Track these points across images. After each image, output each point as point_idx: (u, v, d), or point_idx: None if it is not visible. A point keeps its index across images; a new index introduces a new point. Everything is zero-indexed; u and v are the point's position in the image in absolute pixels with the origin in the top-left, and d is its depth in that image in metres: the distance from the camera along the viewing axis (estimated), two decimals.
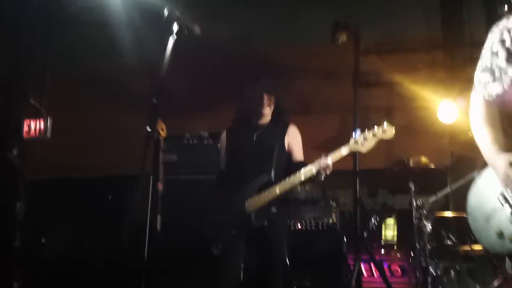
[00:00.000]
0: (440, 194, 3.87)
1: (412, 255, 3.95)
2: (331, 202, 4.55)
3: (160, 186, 1.89)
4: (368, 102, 4.89)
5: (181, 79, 4.18)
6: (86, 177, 5.65)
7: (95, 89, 5.85)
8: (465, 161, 5.45)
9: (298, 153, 3.47)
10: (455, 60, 5.47)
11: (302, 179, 3.14)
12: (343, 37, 4.59)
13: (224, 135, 3.58)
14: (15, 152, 2.31)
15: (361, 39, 4.46)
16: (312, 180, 3.24)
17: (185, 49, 2.40)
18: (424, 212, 3.64)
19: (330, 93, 5.39)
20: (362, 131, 3.10)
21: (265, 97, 3.40)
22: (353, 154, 4.06)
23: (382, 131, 3.04)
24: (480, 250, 3.62)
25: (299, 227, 4.54)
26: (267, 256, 3.23)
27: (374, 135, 3.05)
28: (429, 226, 3.63)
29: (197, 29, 2.30)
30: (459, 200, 4.73)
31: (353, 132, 3.18)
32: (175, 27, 2.19)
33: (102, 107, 5.87)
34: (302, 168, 3.14)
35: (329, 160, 3.09)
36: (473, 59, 5.83)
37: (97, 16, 4.58)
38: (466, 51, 5.44)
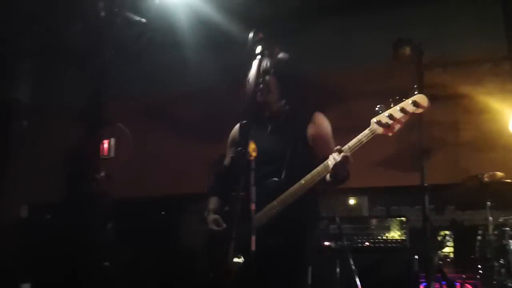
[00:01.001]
0: None
1: (481, 272, 3.80)
2: (400, 218, 4.46)
3: (253, 206, 1.90)
4: (433, 117, 4.79)
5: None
6: (140, 199, 5.77)
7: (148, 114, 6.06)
8: None
9: (323, 148, 2.65)
10: None
11: (316, 179, 2.44)
12: (406, 51, 4.55)
13: (237, 126, 2.83)
14: (102, 173, 2.40)
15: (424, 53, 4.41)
16: (329, 181, 2.48)
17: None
18: (508, 229, 3.48)
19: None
20: (387, 106, 2.32)
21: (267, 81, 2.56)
22: (421, 170, 3.99)
23: (413, 103, 2.23)
24: None
25: (366, 244, 4.47)
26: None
27: (403, 110, 2.25)
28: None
29: (277, 51, 2.34)
30: None
31: (378, 109, 2.37)
32: (258, 49, 2.23)
33: (160, 130, 6.04)
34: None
35: (347, 150, 2.38)
36: None
37: (164, 39, 4.74)
38: None
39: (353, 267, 4.05)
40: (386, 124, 2.28)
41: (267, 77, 2.51)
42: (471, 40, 5.32)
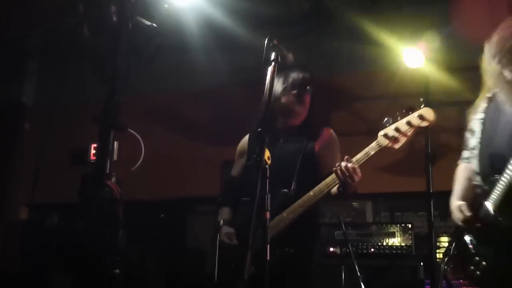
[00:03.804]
0: None
1: None
2: (405, 225, 4.45)
3: (267, 215, 1.89)
4: (440, 123, 4.78)
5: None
6: (146, 201, 5.76)
7: (157, 115, 6.04)
8: None
9: (330, 163, 2.70)
10: None
11: (325, 190, 2.49)
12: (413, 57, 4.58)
13: (247, 137, 3.01)
14: (113, 179, 2.37)
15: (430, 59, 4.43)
16: (338, 194, 2.56)
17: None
18: None
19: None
20: (394, 119, 2.37)
21: (301, 93, 2.82)
22: (426, 176, 3.98)
23: (419, 116, 2.28)
24: None
25: (372, 250, 4.46)
26: None
27: (409, 123, 2.31)
28: None
29: (291, 57, 2.33)
30: None
31: (385, 122, 2.42)
32: (273, 56, 2.22)
33: (168, 132, 6.02)
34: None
35: (355, 163, 2.43)
36: None
37: (172, 43, 4.73)
38: None
39: (359, 273, 4.04)
40: (393, 137, 2.34)
41: (303, 90, 2.79)
42: (476, 46, 5.31)
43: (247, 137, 3.01)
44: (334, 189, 2.57)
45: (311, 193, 2.54)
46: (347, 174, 2.42)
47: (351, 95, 5.60)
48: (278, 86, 2.86)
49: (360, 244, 4.47)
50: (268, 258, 1.81)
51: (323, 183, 2.53)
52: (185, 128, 6.02)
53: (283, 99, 2.84)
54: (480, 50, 2.58)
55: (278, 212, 2.56)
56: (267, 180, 1.89)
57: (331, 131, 2.94)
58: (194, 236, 5.58)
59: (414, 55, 4.55)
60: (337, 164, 2.48)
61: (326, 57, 5.38)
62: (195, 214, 5.80)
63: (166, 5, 2.71)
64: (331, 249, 4.43)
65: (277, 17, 5.24)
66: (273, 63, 2.19)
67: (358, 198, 5.44)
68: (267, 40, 2.19)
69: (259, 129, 1.95)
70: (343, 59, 5.48)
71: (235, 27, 4.69)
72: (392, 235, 4.43)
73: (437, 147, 4.26)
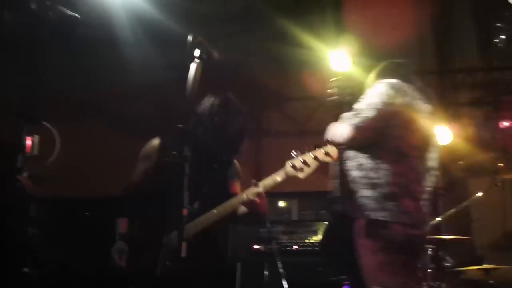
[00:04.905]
0: (443, 216, 3.88)
1: None
2: (326, 222, 4.58)
3: (185, 212, 1.88)
4: None
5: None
6: (75, 198, 5.58)
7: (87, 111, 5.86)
8: (457, 184, 5.59)
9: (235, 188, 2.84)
10: (447, 85, 5.63)
11: (229, 210, 2.57)
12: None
13: (154, 142, 2.85)
14: (25, 173, 2.28)
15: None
16: (243, 215, 2.65)
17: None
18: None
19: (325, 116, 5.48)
20: (302, 153, 2.52)
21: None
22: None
23: (325, 153, 2.45)
24: (478, 273, 3.68)
25: (295, 247, 4.56)
26: None
27: (315, 158, 2.46)
28: (429, 249, 3.67)
29: (216, 55, 2.34)
30: (452, 223, 4.83)
31: (292, 154, 2.57)
32: (197, 53, 2.22)
33: (98, 127, 5.86)
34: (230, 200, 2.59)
35: (260, 188, 2.53)
36: (465, 85, 6.00)
37: (101, 35, 4.59)
38: (458, 77, 5.60)
39: (281, 270, 4.12)
40: (300, 168, 2.48)
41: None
42: (401, 53, 5.56)
43: (153, 142, 2.88)
44: (241, 210, 2.66)
45: (214, 211, 2.58)
46: (256, 199, 2.53)
47: (281, 95, 5.70)
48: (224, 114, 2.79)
49: (284, 241, 4.56)
50: (183, 255, 1.81)
51: (228, 203, 2.58)
52: (119, 125, 5.87)
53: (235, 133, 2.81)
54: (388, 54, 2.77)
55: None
56: (186, 177, 1.88)
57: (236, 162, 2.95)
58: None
59: (338, 58, 4.68)
60: (248, 191, 2.56)
61: (256, 58, 5.44)
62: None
63: None
64: (255, 246, 4.49)
65: (211, 15, 5.23)
66: (197, 61, 2.18)
67: (284, 197, 5.54)
68: (191, 38, 2.19)
69: (179, 125, 1.94)
70: (273, 60, 5.56)
71: (170, 24, 4.62)
72: (315, 232, 4.55)
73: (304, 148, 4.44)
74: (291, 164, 2.49)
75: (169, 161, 1.99)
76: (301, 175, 2.47)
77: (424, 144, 2.55)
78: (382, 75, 2.68)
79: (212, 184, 2.72)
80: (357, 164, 2.54)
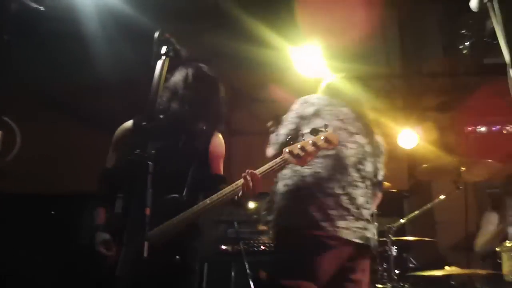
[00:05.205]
0: (407, 218, 3.93)
1: None
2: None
3: (148, 211, 1.84)
4: None
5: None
6: (42, 195, 5.45)
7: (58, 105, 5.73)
8: (421, 186, 5.70)
9: (217, 168, 2.75)
10: (413, 89, 5.74)
11: (223, 200, 2.44)
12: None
13: (126, 125, 2.72)
14: None
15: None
16: (237, 201, 2.50)
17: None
18: (390, 236, 3.71)
19: None
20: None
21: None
22: None
23: (325, 139, 2.31)
24: (442, 274, 3.74)
25: (262, 248, 4.56)
26: None
27: (314, 144, 2.32)
28: (394, 250, 3.72)
29: (184, 52, 2.31)
30: (416, 225, 4.92)
31: (289, 140, 2.53)
32: (164, 50, 2.19)
33: (66, 124, 5.74)
34: (226, 187, 2.47)
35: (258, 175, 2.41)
36: (430, 90, 6.11)
37: (68, 29, 4.49)
38: (423, 82, 5.71)
39: (248, 270, 4.11)
40: (298, 155, 2.34)
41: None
42: (369, 58, 5.64)
43: (126, 125, 2.73)
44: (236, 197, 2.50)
45: (208, 201, 2.44)
46: (253, 184, 2.39)
47: (249, 95, 5.68)
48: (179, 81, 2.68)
49: (252, 241, 4.56)
50: (145, 255, 1.78)
51: (222, 193, 2.44)
52: (87, 121, 5.74)
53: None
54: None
55: (165, 218, 2.43)
56: (150, 176, 1.85)
57: (220, 136, 2.82)
58: (88, 234, 5.32)
59: (304, 60, 4.72)
60: (247, 171, 2.42)
61: (224, 57, 5.41)
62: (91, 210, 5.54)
63: None
64: (223, 247, 4.48)
65: (181, 11, 5.17)
66: (163, 57, 2.16)
67: (254, 197, 5.53)
68: (158, 34, 2.16)
69: (144, 123, 1.91)
70: (240, 59, 5.54)
71: (140, 18, 4.54)
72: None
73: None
74: (288, 151, 2.34)
75: (133, 159, 1.94)
76: (300, 163, 2.35)
77: None
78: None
79: (196, 167, 2.58)
80: None
